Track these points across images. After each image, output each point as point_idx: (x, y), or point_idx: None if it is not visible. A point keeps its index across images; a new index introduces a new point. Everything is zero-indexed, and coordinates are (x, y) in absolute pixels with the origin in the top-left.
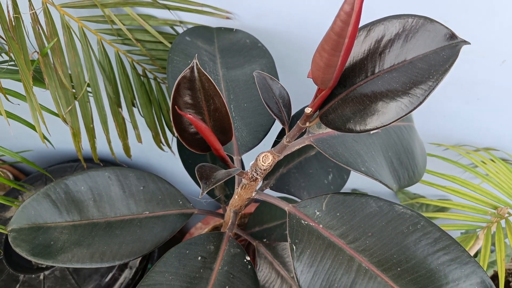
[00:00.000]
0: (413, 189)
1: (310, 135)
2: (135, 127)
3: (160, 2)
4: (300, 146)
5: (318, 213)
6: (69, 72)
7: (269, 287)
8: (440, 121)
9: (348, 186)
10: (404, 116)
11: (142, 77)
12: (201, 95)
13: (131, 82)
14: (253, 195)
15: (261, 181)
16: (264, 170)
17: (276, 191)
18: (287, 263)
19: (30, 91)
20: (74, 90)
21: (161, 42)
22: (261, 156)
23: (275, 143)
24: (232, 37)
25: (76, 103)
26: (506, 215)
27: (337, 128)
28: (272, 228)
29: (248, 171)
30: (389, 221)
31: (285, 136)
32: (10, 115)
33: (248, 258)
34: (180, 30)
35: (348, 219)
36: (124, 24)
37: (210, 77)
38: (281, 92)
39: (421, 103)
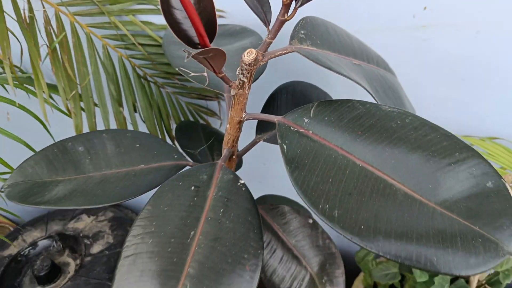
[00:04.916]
0: None
1: (293, 46)
2: (136, 128)
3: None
4: (283, 52)
5: (306, 120)
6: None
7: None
8: (430, 111)
9: None
10: None
11: (143, 80)
12: None
13: (133, 85)
14: (244, 116)
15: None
16: (249, 65)
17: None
18: (287, 230)
19: (39, 69)
20: (78, 84)
21: (160, 46)
22: (245, 52)
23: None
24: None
25: (81, 103)
26: None
27: None
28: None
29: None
30: (377, 120)
31: (267, 33)
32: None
33: (242, 181)
34: None
35: (337, 122)
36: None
37: None
38: None
39: None
